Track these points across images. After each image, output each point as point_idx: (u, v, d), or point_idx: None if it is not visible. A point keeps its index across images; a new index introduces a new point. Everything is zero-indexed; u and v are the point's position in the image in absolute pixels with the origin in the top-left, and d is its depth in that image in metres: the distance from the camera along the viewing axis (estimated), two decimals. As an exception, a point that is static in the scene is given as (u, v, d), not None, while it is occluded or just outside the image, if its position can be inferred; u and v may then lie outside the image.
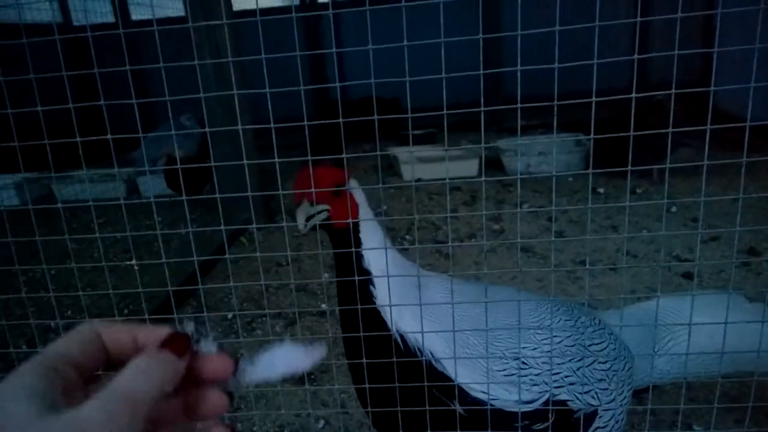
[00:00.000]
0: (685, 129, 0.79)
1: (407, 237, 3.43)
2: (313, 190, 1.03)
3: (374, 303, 1.07)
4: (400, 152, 4.76)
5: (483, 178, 0.90)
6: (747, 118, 0.95)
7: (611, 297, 2.52)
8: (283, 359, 0.50)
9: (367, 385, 1.07)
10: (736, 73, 0.89)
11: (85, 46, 5.88)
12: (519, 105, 0.82)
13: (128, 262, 1.10)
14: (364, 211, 1.11)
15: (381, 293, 1.07)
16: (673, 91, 0.82)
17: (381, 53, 0.88)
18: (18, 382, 0.39)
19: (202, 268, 3.09)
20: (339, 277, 1.11)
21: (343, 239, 1.09)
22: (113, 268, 3.21)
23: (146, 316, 1.22)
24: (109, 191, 4.55)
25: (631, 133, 0.86)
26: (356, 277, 1.08)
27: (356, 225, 1.09)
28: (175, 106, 1.09)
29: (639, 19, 5.92)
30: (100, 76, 0.96)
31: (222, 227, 1.06)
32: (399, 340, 1.06)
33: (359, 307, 1.05)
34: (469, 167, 4.53)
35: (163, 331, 0.47)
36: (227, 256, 2.99)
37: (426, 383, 1.04)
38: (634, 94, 0.83)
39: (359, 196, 1.11)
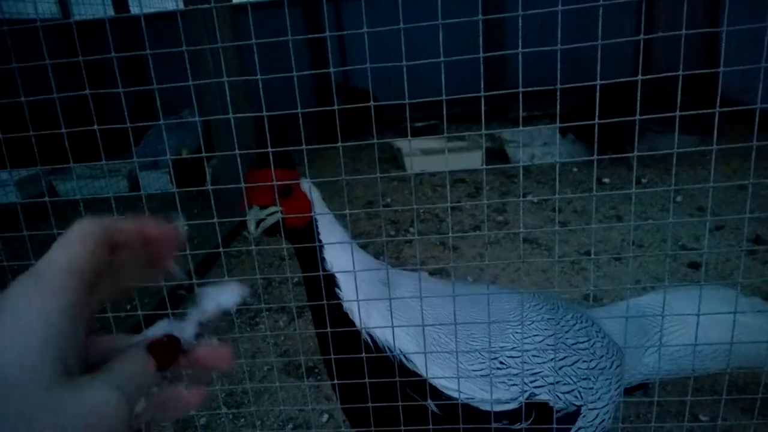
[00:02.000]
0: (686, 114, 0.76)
1: (410, 229, 3.41)
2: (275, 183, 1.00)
3: (341, 304, 1.05)
4: (403, 144, 4.74)
5: (483, 167, 0.88)
6: (753, 106, 0.92)
7: (616, 287, 2.50)
8: (218, 295, 0.53)
9: (336, 381, 1.06)
10: (743, 60, 0.87)
11: (84, 41, 5.87)
12: (521, 89, 0.80)
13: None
14: (320, 209, 1.08)
15: (347, 293, 1.05)
16: (680, 74, 0.80)
17: (383, 44, 0.86)
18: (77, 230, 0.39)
19: (204, 263, 3.09)
20: (306, 279, 1.09)
21: (302, 241, 1.07)
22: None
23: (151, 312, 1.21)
24: (110, 187, 4.55)
25: (637, 118, 0.83)
26: (319, 272, 1.06)
27: (311, 226, 1.07)
28: (174, 101, 1.07)
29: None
30: (100, 71, 0.94)
31: (214, 221, 1.04)
32: (368, 339, 1.05)
33: (325, 301, 1.04)
34: (473, 159, 4.50)
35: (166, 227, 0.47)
36: (225, 249, 2.98)
37: (398, 380, 1.03)
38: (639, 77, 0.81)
39: (313, 195, 1.08)
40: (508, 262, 1.80)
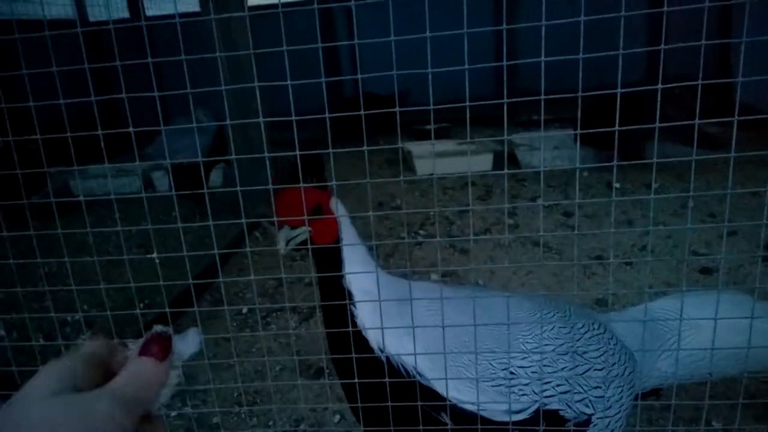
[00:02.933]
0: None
1: (421, 232, 3.42)
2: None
3: (356, 324, 1.07)
4: (413, 146, 4.75)
5: (505, 171, 0.89)
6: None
7: (628, 292, 2.50)
8: (176, 344, 0.57)
9: (359, 405, 1.07)
10: (754, 65, 0.88)
11: (100, 43, 5.94)
12: (543, 96, 0.81)
13: (150, 255, 1.11)
14: (347, 230, 1.10)
15: (362, 314, 1.07)
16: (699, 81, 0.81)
17: (395, 47, 0.87)
18: (48, 369, 0.47)
19: (215, 264, 3.11)
20: (322, 296, 1.11)
21: (325, 258, 1.09)
22: (128, 262, 3.24)
23: (166, 309, 1.23)
24: (124, 186, 4.59)
25: (657, 125, 0.84)
26: (338, 289, 1.08)
27: (338, 243, 1.08)
28: (187, 103, 1.10)
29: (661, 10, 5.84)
30: (115, 72, 0.96)
31: (211, 224, 1.06)
32: (384, 360, 1.06)
33: (346, 328, 1.06)
34: (483, 162, 4.50)
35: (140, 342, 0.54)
36: (242, 250, 3.01)
37: (415, 400, 1.04)
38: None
39: (342, 215, 1.10)
40: (529, 265, 1.81)
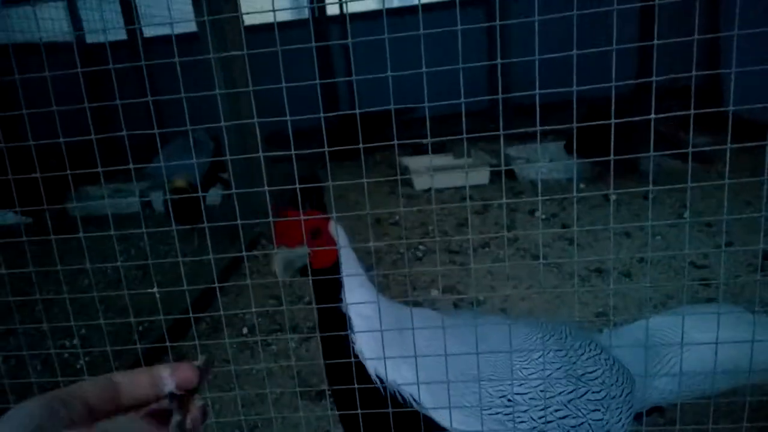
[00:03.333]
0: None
1: (420, 247, 3.43)
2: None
3: (353, 351, 1.07)
4: (410, 161, 4.77)
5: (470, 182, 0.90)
6: (759, 123, 0.95)
7: (627, 305, 2.50)
8: None
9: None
10: (746, 76, 0.89)
11: (97, 65, 5.97)
12: (537, 90, 0.83)
13: (150, 290, 1.11)
14: (346, 257, 1.10)
15: (360, 342, 1.06)
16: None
17: (390, 64, 0.89)
18: (20, 408, 0.43)
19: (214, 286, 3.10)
20: (320, 322, 1.10)
21: (324, 284, 1.08)
22: (127, 285, 3.24)
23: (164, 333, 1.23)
24: (122, 206, 4.59)
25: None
26: (336, 312, 1.08)
27: (337, 266, 1.08)
28: (185, 124, 1.11)
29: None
30: (111, 93, 0.97)
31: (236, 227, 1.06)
32: (382, 389, 1.06)
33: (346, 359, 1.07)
34: (480, 176, 4.52)
35: (181, 369, 0.52)
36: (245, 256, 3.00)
37: (413, 429, 1.04)
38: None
39: (341, 238, 1.09)
40: (563, 291, 1.81)
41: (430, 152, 5.20)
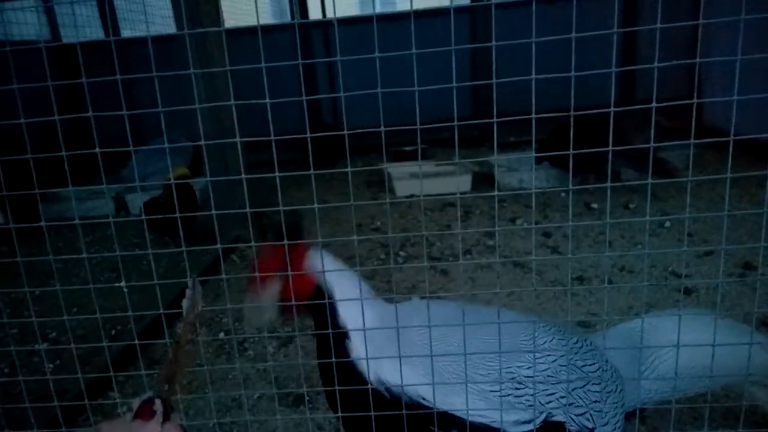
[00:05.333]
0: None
1: (401, 253, 3.39)
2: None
3: (350, 357, 1.07)
4: (392, 167, 4.74)
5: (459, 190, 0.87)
6: (732, 132, 0.94)
7: (609, 312, 2.49)
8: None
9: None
10: (723, 89, 0.88)
11: (74, 64, 5.84)
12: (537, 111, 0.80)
13: (117, 284, 1.07)
14: (332, 270, 1.10)
15: (357, 346, 1.07)
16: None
17: (371, 69, 0.86)
18: None
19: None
20: (316, 330, 1.11)
21: (315, 307, 1.10)
22: (99, 287, 3.13)
23: (135, 339, 1.17)
24: (96, 209, 4.48)
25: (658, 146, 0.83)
26: (331, 328, 1.08)
27: (320, 290, 1.09)
28: (164, 124, 1.06)
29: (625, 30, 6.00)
30: (89, 92, 0.93)
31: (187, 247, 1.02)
32: (384, 390, 1.05)
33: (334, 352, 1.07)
34: (462, 183, 4.51)
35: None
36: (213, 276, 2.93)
37: (417, 425, 1.03)
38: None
39: (324, 260, 1.08)
40: (557, 291, 1.78)
41: (420, 156, 5.19)
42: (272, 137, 0.96)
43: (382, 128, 0.89)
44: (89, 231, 4.21)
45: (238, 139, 0.99)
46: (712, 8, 4.18)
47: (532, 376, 1.06)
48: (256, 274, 1.05)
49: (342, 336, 1.07)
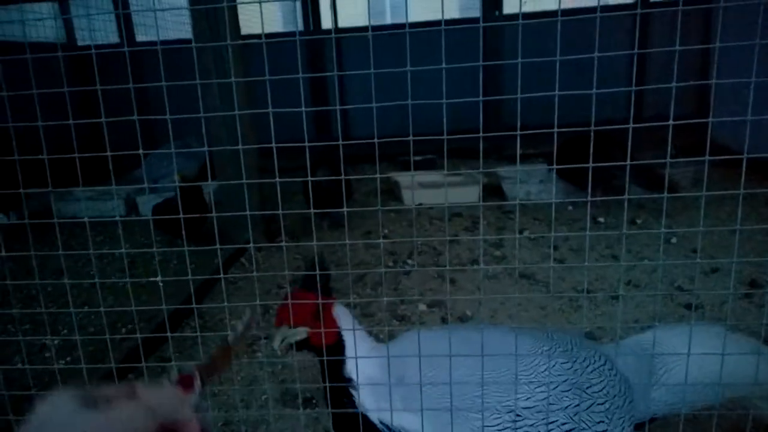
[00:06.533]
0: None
1: (409, 261, 3.42)
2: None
3: (356, 406, 1.14)
4: (401, 177, 4.78)
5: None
6: (744, 151, 0.97)
7: (613, 326, 2.51)
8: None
9: None
10: (733, 107, 0.91)
11: (89, 66, 5.90)
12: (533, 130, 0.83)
13: (154, 279, 1.12)
14: (348, 330, 1.17)
15: (362, 396, 1.14)
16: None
17: (383, 79, 0.89)
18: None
19: (201, 289, 3.06)
20: (324, 380, 1.18)
21: (327, 355, 1.16)
22: (111, 286, 3.18)
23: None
24: (108, 209, 4.53)
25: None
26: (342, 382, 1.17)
27: (340, 343, 1.16)
28: (178, 128, 1.10)
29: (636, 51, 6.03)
30: (103, 96, 0.97)
31: (213, 248, 1.05)
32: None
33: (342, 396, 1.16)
34: (469, 193, 4.54)
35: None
36: (225, 275, 2.96)
37: None
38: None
39: (343, 318, 1.18)
40: (562, 304, 1.81)
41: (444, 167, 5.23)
42: (273, 144, 0.99)
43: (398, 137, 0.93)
44: (100, 231, 4.26)
45: (240, 147, 1.02)
46: (721, 28, 4.22)
47: (531, 407, 1.08)
48: (290, 311, 1.12)
49: (347, 387, 1.15)
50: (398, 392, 1.11)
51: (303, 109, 0.93)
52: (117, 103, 1.09)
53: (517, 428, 1.06)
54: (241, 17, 3.94)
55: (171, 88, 0.97)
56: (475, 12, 6.46)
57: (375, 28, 6.88)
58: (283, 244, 1.31)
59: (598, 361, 1.20)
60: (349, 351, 1.16)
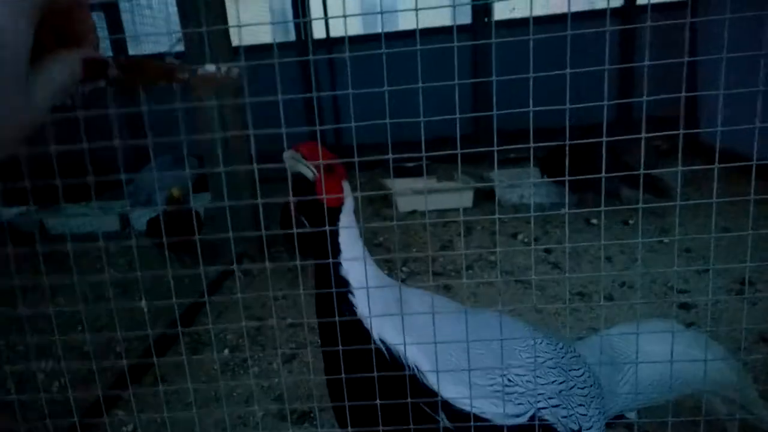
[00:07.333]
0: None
1: (404, 269, 3.42)
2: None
3: (355, 313, 1.05)
4: (394, 183, 4.79)
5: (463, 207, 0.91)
6: (736, 152, 0.98)
7: (609, 328, 2.51)
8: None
9: (347, 403, 1.05)
10: (725, 107, 0.93)
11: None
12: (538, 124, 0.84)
13: (138, 303, 1.11)
14: (347, 213, 1.10)
15: (361, 303, 1.05)
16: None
17: (375, 85, 0.90)
18: None
19: (195, 305, 3.05)
20: (317, 284, 1.09)
21: (322, 237, 1.07)
22: (102, 305, 3.16)
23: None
24: (102, 226, 4.52)
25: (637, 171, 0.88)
26: (334, 278, 1.08)
27: (338, 212, 1.08)
28: (172, 144, 1.10)
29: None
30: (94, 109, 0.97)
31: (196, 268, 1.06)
32: (384, 351, 1.04)
33: (338, 318, 1.04)
34: (463, 199, 4.55)
35: None
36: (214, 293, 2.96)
37: (411, 398, 1.03)
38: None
39: (348, 194, 1.11)
40: (557, 307, 1.82)
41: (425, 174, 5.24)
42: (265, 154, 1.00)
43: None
44: (95, 247, 4.25)
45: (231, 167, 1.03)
46: (708, 33, 4.26)
47: (522, 374, 1.09)
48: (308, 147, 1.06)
49: (345, 291, 1.06)
50: (398, 310, 1.04)
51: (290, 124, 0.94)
52: (107, 121, 1.09)
53: (509, 392, 1.06)
54: (232, 30, 3.96)
55: (161, 101, 0.98)
56: (467, 19, 6.50)
57: (369, 38, 6.91)
58: (269, 267, 1.30)
59: (574, 352, 1.24)
60: (345, 245, 1.07)
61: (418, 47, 0.85)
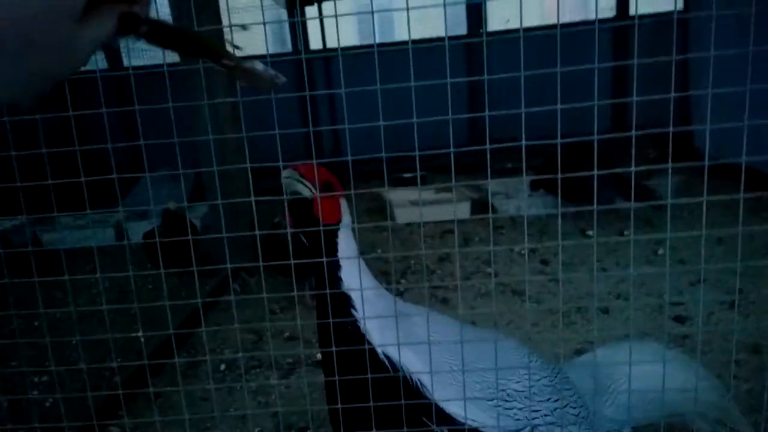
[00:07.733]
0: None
1: (402, 281, 3.43)
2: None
3: (358, 326, 1.08)
4: (392, 194, 4.80)
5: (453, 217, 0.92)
6: (727, 158, 1.00)
7: (606, 341, 2.52)
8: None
9: (340, 406, 1.08)
10: (715, 114, 0.95)
11: (75, 93, 5.91)
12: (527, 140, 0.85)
13: (136, 335, 1.12)
14: (345, 230, 1.12)
15: (367, 322, 1.09)
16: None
17: (371, 99, 0.92)
18: None
19: (193, 316, 3.05)
20: (319, 298, 1.11)
21: (320, 251, 1.09)
22: (101, 317, 3.15)
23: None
24: (96, 237, 4.51)
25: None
26: (335, 289, 1.11)
27: (335, 235, 1.10)
28: (168, 152, 1.12)
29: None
30: (91, 122, 0.98)
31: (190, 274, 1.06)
32: (386, 362, 1.06)
33: (337, 320, 1.07)
34: (461, 210, 4.57)
35: None
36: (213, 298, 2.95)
37: (414, 410, 1.05)
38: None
39: (345, 211, 1.14)
40: (554, 319, 1.82)
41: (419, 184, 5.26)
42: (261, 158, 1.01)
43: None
44: (90, 259, 4.23)
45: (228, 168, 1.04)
46: (699, 38, 4.31)
47: (520, 391, 1.10)
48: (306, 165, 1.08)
49: (347, 305, 1.08)
50: (401, 332, 1.05)
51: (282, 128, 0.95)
52: (101, 131, 1.10)
53: (508, 408, 1.08)
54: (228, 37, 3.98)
55: (158, 112, 0.99)
56: (462, 30, 6.56)
57: (362, 47, 6.95)
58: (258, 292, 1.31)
59: (563, 374, 1.26)
60: (345, 264, 1.09)
61: (411, 49, 0.86)
